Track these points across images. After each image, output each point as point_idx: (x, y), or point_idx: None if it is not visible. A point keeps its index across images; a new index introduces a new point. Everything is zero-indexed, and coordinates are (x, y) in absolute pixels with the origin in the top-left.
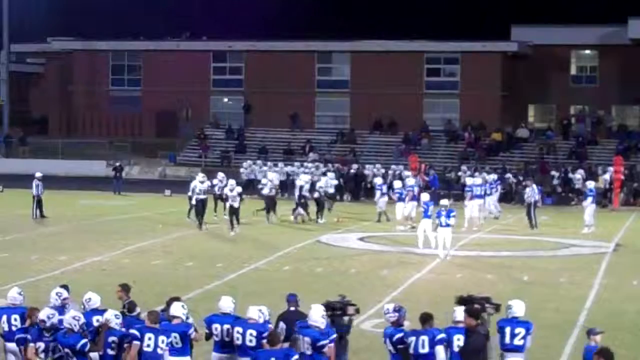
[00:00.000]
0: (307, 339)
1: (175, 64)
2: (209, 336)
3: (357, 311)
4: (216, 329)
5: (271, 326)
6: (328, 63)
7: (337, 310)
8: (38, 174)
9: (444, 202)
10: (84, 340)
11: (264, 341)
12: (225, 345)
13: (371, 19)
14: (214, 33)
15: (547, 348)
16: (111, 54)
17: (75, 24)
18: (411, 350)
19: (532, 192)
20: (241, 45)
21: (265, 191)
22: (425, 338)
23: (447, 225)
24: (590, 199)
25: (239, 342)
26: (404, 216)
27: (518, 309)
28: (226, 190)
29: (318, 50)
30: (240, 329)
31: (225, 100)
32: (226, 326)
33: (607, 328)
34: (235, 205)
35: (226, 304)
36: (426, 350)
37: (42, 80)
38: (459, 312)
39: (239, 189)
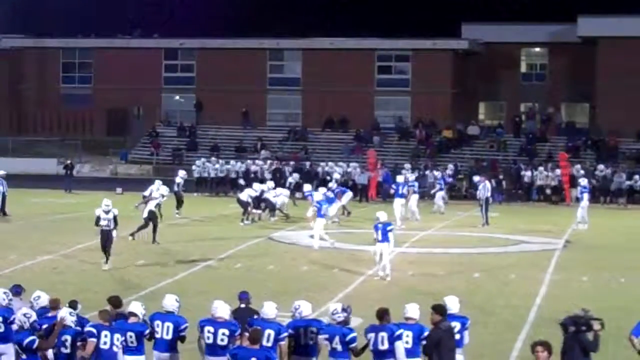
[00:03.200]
0: (269, 331)
1: (127, 62)
2: (151, 335)
3: (603, 326)
4: (157, 325)
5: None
6: (279, 60)
7: (582, 326)
8: (1, 172)
9: (381, 214)
10: (31, 337)
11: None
12: (166, 344)
13: (322, 17)
14: (165, 30)
15: (497, 344)
16: (62, 51)
17: (25, 21)
18: (370, 347)
19: (484, 189)
20: (192, 43)
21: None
22: (384, 334)
23: (385, 240)
24: (586, 195)
25: (210, 341)
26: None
27: (452, 304)
28: (98, 212)
29: (269, 48)
30: (211, 329)
31: (177, 97)
32: (167, 324)
33: (557, 325)
34: (109, 228)
35: (170, 302)
36: (386, 346)
37: None
38: (410, 309)
39: (116, 210)
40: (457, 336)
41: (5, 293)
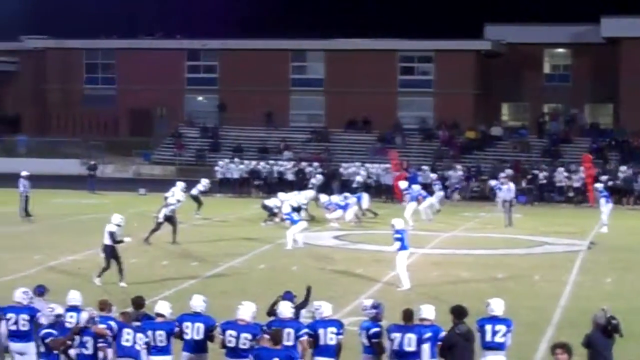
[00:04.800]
0: (288, 330)
1: (150, 63)
2: (180, 335)
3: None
4: (187, 327)
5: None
6: (302, 61)
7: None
8: (24, 173)
9: (397, 222)
10: (49, 330)
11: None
12: (196, 344)
13: (345, 18)
14: (188, 31)
15: (522, 345)
16: (85, 52)
17: (49, 22)
18: (395, 347)
19: (508, 190)
20: (215, 44)
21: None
22: (412, 336)
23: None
24: (603, 200)
25: (232, 345)
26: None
27: (497, 307)
28: (112, 227)
29: (292, 49)
30: (234, 332)
31: (200, 98)
32: (197, 324)
33: (581, 326)
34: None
35: (197, 303)
36: (413, 348)
37: (15, 79)
38: (425, 310)
39: (115, 227)
40: (502, 339)
41: (25, 292)
